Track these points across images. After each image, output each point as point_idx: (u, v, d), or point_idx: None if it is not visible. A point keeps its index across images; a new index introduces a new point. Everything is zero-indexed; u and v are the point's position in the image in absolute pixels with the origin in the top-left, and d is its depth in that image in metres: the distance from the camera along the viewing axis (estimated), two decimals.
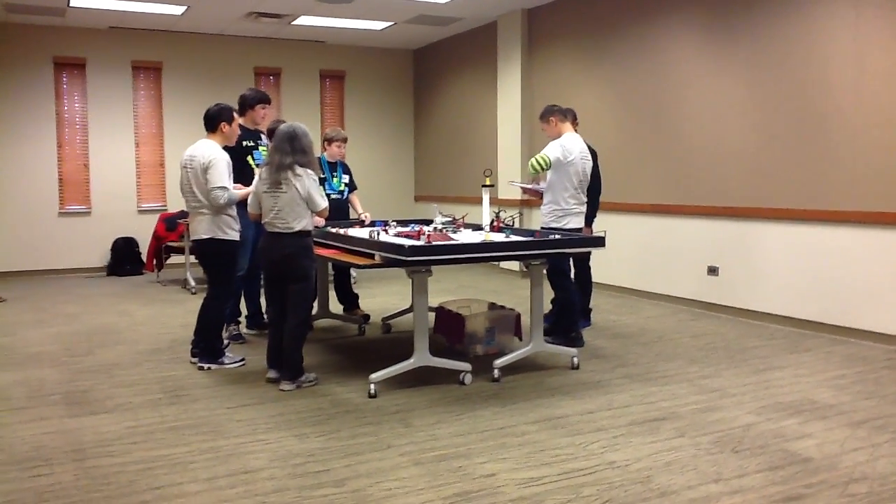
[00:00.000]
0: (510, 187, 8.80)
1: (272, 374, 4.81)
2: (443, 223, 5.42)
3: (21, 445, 3.70)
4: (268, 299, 4.87)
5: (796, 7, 6.13)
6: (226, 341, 5.42)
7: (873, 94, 5.62)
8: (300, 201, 4.56)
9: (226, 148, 5.08)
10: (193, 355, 5.22)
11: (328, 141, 6.44)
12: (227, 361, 5.14)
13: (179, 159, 5.15)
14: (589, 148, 5.80)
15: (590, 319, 6.40)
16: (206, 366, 5.09)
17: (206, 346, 5.13)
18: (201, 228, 4.98)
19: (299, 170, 4.56)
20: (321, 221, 5.31)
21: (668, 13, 7.32)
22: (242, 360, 5.22)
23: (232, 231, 5.02)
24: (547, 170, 5.55)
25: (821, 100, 5.98)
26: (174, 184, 9.54)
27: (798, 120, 6.15)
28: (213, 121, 5.06)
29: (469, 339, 5.36)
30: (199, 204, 4.96)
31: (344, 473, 3.32)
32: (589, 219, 6.03)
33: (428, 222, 5.75)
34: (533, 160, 5.52)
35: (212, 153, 4.91)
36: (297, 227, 4.58)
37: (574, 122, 5.92)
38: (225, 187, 4.88)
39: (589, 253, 6.21)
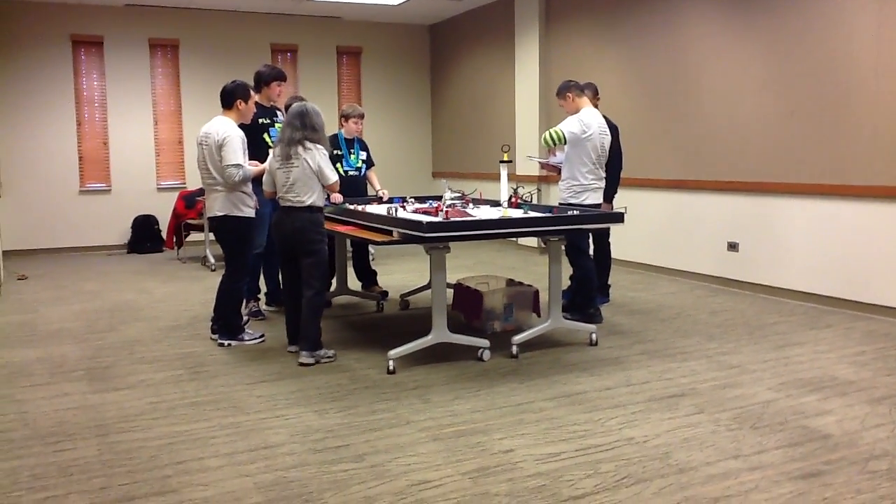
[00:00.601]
0: (528, 163, 8.77)
1: (293, 348, 4.88)
2: (452, 199, 5.39)
3: (44, 421, 3.75)
4: (282, 273, 4.95)
5: None
6: (245, 318, 5.45)
7: (894, 70, 5.53)
8: (311, 175, 4.61)
9: (242, 125, 5.07)
10: (213, 332, 5.26)
11: (345, 117, 6.40)
12: (246, 338, 5.18)
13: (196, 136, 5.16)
14: (610, 123, 5.74)
15: (608, 296, 6.38)
16: (225, 342, 5.13)
17: (225, 322, 5.17)
18: (216, 206, 4.99)
19: (309, 144, 4.62)
20: (338, 198, 5.32)
21: None
22: (262, 336, 5.26)
23: (247, 208, 5.03)
24: (563, 144, 5.50)
25: (841, 75, 5.87)
26: (193, 161, 9.59)
27: (818, 95, 6.05)
28: (230, 98, 5.04)
29: (487, 316, 5.36)
30: (214, 181, 4.98)
31: (363, 449, 3.34)
32: (610, 195, 5.99)
33: None
34: (547, 134, 5.48)
35: (226, 130, 4.91)
36: (308, 201, 4.63)
37: (595, 97, 5.84)
38: (239, 164, 4.88)
39: (608, 229, 6.19)
